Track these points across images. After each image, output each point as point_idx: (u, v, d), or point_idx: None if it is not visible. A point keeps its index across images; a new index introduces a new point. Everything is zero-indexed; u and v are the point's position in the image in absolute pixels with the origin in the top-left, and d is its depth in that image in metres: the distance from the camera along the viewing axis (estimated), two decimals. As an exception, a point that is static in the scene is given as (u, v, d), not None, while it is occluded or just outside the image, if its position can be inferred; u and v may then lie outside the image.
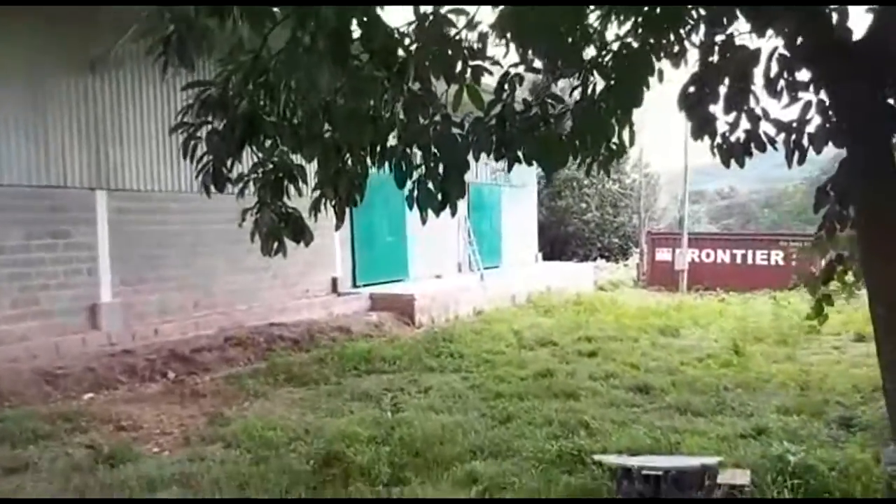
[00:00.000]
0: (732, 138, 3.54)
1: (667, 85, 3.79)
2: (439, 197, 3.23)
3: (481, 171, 18.40)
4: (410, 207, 3.25)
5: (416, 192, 3.27)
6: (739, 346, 10.01)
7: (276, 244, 3.70)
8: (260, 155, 3.69)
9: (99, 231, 9.87)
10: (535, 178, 22.79)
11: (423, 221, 3.32)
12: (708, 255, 23.02)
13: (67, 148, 9.46)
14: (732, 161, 3.53)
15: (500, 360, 9.40)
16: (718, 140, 3.56)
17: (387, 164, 3.35)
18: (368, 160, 3.39)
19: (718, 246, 23.17)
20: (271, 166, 3.68)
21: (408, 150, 3.31)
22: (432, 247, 16.40)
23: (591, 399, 7.20)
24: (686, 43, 3.80)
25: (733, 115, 3.47)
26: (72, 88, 9.47)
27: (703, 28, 3.78)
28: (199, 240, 11.05)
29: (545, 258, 22.82)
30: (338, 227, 3.57)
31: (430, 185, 3.24)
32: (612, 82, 3.18)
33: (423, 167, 3.26)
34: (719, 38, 3.65)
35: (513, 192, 20.14)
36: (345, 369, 8.86)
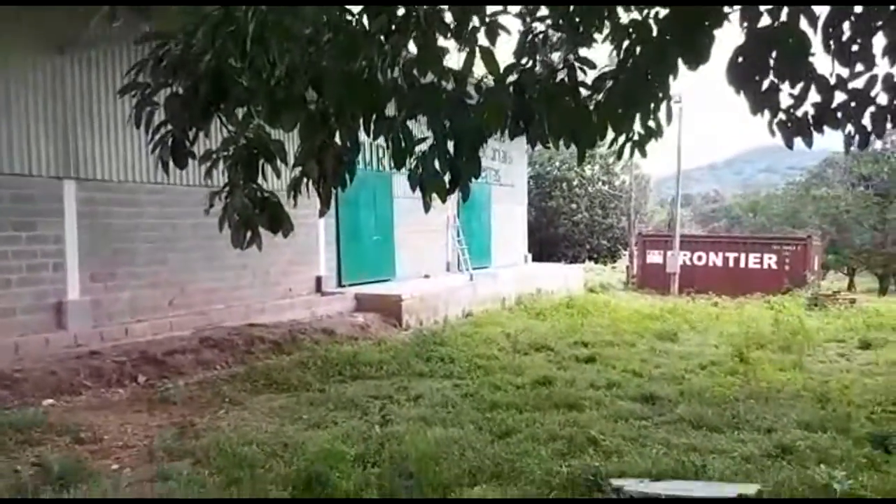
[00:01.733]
0: (799, 113, 3.00)
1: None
2: (447, 177, 2.66)
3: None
4: (413, 189, 2.68)
5: (420, 172, 2.69)
6: (743, 352, 9.57)
7: (248, 234, 3.12)
8: (231, 128, 3.10)
9: (67, 223, 9.18)
10: (525, 177, 22.32)
11: (427, 208, 2.75)
12: (700, 258, 22.68)
13: (33, 133, 8.75)
14: (797, 140, 2.99)
15: (494, 366, 8.85)
16: (781, 116, 3.01)
17: (383, 137, 2.76)
18: (361, 132, 2.81)
19: (710, 249, 22.85)
20: (244, 141, 3.09)
21: (408, 121, 2.73)
22: (420, 246, 15.86)
23: (595, 411, 6.66)
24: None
25: (799, 86, 2.92)
26: (39, 70, 8.77)
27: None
28: (175, 234, 10.39)
29: (534, 259, 22.35)
30: (322, 213, 2.99)
31: (437, 164, 2.66)
32: (667, 35, 2.61)
33: (430, 141, 2.68)
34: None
35: (503, 192, 19.65)
36: (328, 374, 8.26)
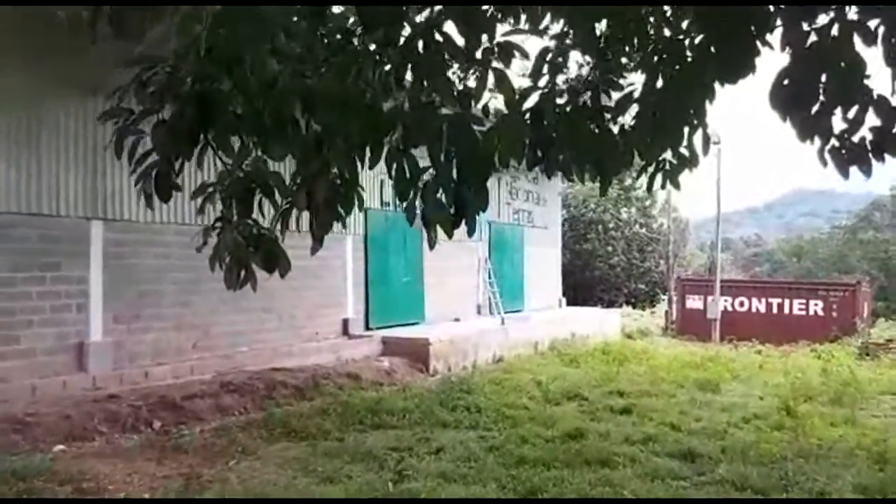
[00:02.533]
0: (855, 138, 2.65)
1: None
2: (452, 210, 2.36)
3: (503, 210, 17.67)
4: (411, 222, 2.39)
5: (421, 203, 2.41)
6: (790, 405, 8.97)
7: (242, 273, 2.85)
8: (226, 160, 2.87)
9: (92, 263, 9.11)
10: (559, 219, 22.00)
11: (431, 245, 2.46)
12: (742, 304, 21.87)
13: (62, 174, 8.76)
14: (853, 169, 2.63)
15: (523, 417, 8.40)
16: (833, 143, 2.66)
17: (386, 167, 2.49)
18: (358, 161, 2.54)
19: (753, 294, 22.03)
20: (241, 174, 2.86)
21: (412, 150, 2.45)
22: (450, 288, 15.55)
23: (629, 468, 6.18)
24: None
25: (854, 109, 2.58)
26: (70, 112, 8.84)
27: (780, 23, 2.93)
28: (200, 275, 10.20)
29: (569, 303, 21.83)
30: (314, 251, 2.71)
31: (441, 195, 2.37)
32: (704, 47, 2.30)
33: (432, 170, 2.40)
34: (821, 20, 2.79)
35: (536, 233, 19.35)
36: (349, 422, 7.91)
